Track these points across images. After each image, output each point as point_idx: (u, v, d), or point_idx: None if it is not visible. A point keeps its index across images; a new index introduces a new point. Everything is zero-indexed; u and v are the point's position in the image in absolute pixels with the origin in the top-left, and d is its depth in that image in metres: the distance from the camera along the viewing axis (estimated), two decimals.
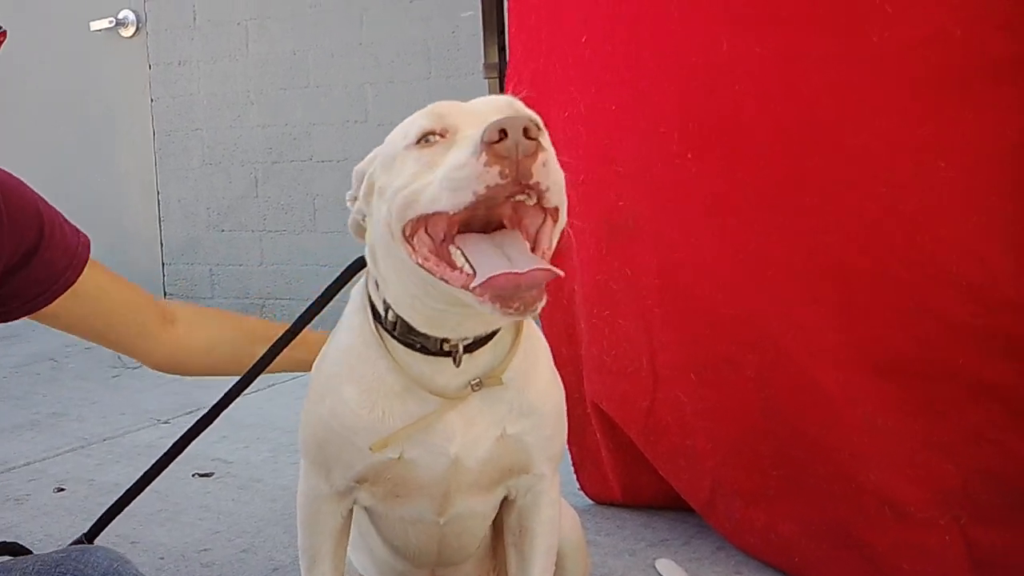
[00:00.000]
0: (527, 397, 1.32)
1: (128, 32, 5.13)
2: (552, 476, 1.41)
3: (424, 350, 1.26)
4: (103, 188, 5.34)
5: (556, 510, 1.43)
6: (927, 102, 1.66)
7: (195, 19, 4.85)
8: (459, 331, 1.25)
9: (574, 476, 2.38)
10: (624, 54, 1.99)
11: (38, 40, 5.41)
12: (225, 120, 4.82)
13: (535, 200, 1.08)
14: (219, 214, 4.88)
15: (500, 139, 1.02)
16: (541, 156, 1.05)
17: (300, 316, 1.64)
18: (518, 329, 1.32)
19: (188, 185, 4.97)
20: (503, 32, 2.47)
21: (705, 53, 1.87)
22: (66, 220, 1.56)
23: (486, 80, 2.51)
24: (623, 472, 2.26)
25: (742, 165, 1.86)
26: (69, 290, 1.53)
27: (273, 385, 3.40)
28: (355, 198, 1.31)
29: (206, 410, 1.74)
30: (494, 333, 1.28)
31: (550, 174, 1.07)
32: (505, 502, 1.42)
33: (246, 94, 4.74)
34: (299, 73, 4.57)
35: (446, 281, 1.12)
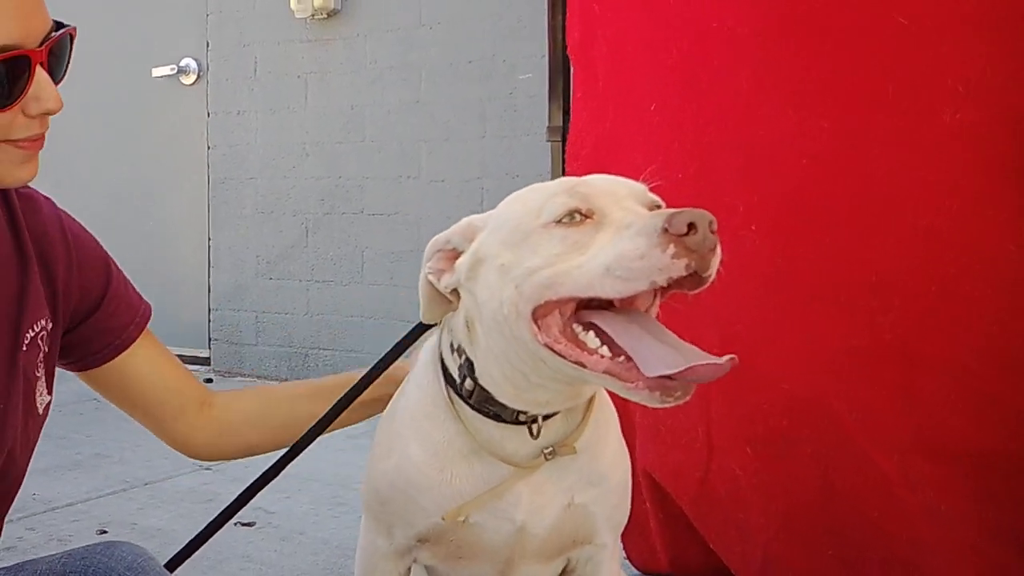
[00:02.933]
0: (596, 466, 1.31)
1: (189, 80, 5.22)
2: (613, 546, 1.40)
3: (498, 418, 1.26)
4: (156, 231, 5.42)
5: None
6: (997, 184, 1.66)
7: (256, 70, 4.94)
8: (544, 407, 1.24)
9: (620, 543, 2.35)
10: (692, 124, 2.00)
11: (100, 84, 5.53)
12: (280, 170, 4.88)
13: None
14: (268, 262, 4.92)
15: (689, 232, 1.03)
16: (718, 250, 1.07)
17: (363, 377, 1.62)
18: (591, 398, 1.31)
19: (239, 232, 5.03)
20: (567, 96, 2.48)
21: (771, 126, 1.88)
22: (130, 283, 1.57)
23: (549, 143, 2.53)
24: (671, 543, 2.23)
25: (804, 241, 1.85)
26: (124, 354, 1.52)
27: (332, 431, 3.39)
28: (442, 271, 1.27)
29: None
30: None
31: (713, 267, 1.08)
32: (565, 570, 1.40)
33: (302, 146, 4.81)
34: (355, 127, 4.63)
35: (583, 365, 1.11)
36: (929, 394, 1.73)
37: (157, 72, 5.30)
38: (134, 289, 1.57)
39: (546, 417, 1.26)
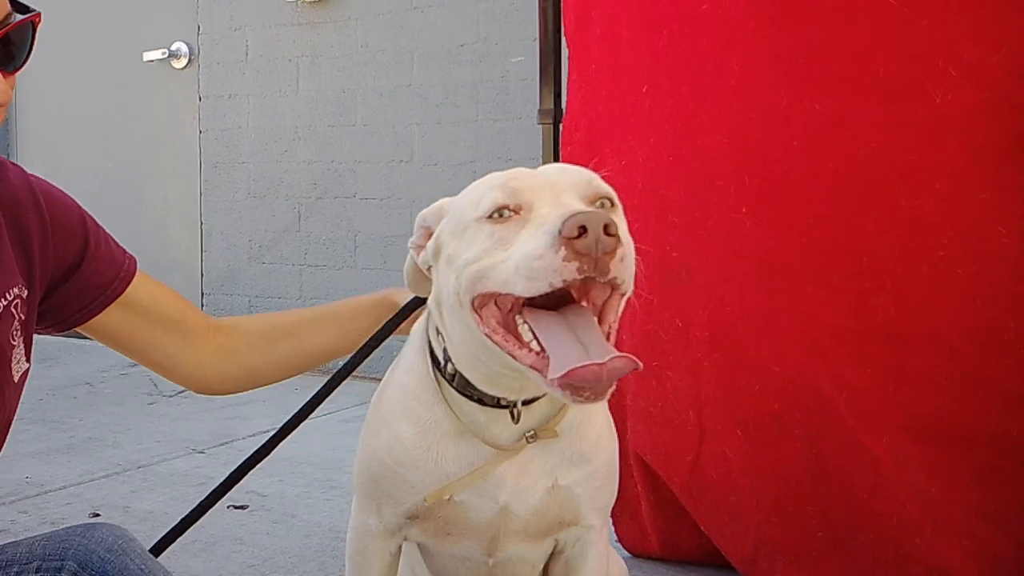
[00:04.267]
0: (580, 447, 1.32)
1: (180, 64, 5.20)
2: (601, 527, 1.40)
3: (481, 401, 1.27)
4: (147, 216, 5.40)
5: (603, 563, 1.42)
6: (988, 167, 1.66)
7: (247, 54, 4.92)
8: (519, 393, 1.25)
9: (612, 527, 2.36)
10: (684, 107, 2.00)
11: (91, 68, 5.51)
12: (272, 154, 4.87)
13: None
14: (261, 247, 4.91)
15: (580, 235, 1.02)
16: (619, 252, 1.04)
17: (354, 356, 1.63)
18: None
19: (232, 217, 5.02)
20: (559, 79, 2.48)
21: (763, 109, 1.88)
22: (113, 239, 1.56)
23: (540, 126, 2.53)
24: (663, 525, 2.24)
25: (795, 223, 1.85)
26: (119, 300, 1.52)
27: (309, 419, 3.39)
28: (420, 246, 1.31)
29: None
30: None
31: (626, 268, 1.06)
32: (553, 551, 1.41)
33: (294, 130, 4.79)
34: (347, 111, 4.62)
35: (514, 357, 1.11)
36: (919, 376, 1.74)
37: (148, 56, 5.27)
38: (116, 244, 1.55)
39: (528, 402, 1.26)
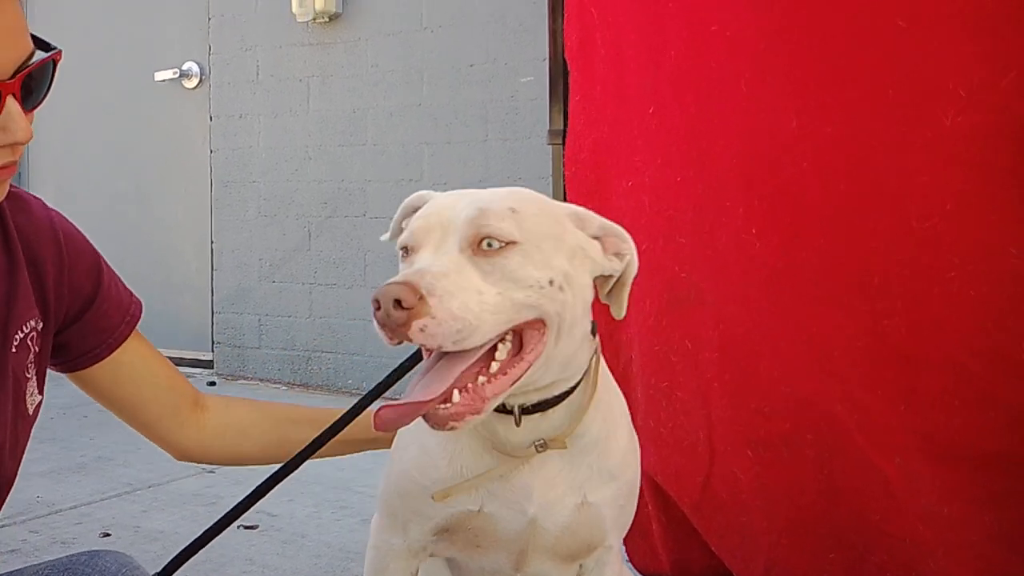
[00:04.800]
0: (607, 463, 1.32)
1: (191, 84, 5.23)
2: (618, 548, 1.41)
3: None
4: (158, 235, 5.43)
5: None
6: (998, 188, 1.65)
7: (258, 74, 4.94)
8: (517, 400, 1.26)
9: (623, 547, 2.35)
10: (691, 127, 2.00)
11: (103, 88, 5.54)
12: (282, 174, 4.89)
13: None
14: (271, 265, 4.93)
15: (376, 308, 1.07)
16: (417, 323, 1.06)
17: (357, 402, 1.61)
18: (591, 393, 1.31)
19: (242, 236, 5.03)
20: (568, 99, 2.49)
21: (772, 130, 1.88)
22: (121, 281, 1.57)
23: (550, 146, 2.53)
24: (673, 546, 2.24)
25: (805, 244, 1.85)
26: (115, 353, 1.52)
27: None
28: None
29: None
30: (564, 395, 1.28)
31: (437, 336, 1.07)
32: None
33: (304, 149, 4.81)
34: (358, 131, 4.64)
35: None
36: (931, 397, 1.73)
37: (159, 76, 5.31)
38: (124, 287, 1.57)
39: (538, 410, 1.26)
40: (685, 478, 2.09)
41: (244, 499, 1.59)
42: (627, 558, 2.36)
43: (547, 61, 2.62)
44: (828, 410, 1.83)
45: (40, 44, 1.21)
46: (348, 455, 1.74)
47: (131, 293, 1.58)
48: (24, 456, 1.43)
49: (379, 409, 1.11)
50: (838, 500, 1.84)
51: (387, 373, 1.56)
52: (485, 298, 1.10)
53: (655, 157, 2.08)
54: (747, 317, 1.93)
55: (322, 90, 4.75)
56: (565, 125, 2.51)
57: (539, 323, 1.16)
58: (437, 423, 1.11)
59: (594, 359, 1.31)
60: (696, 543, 2.17)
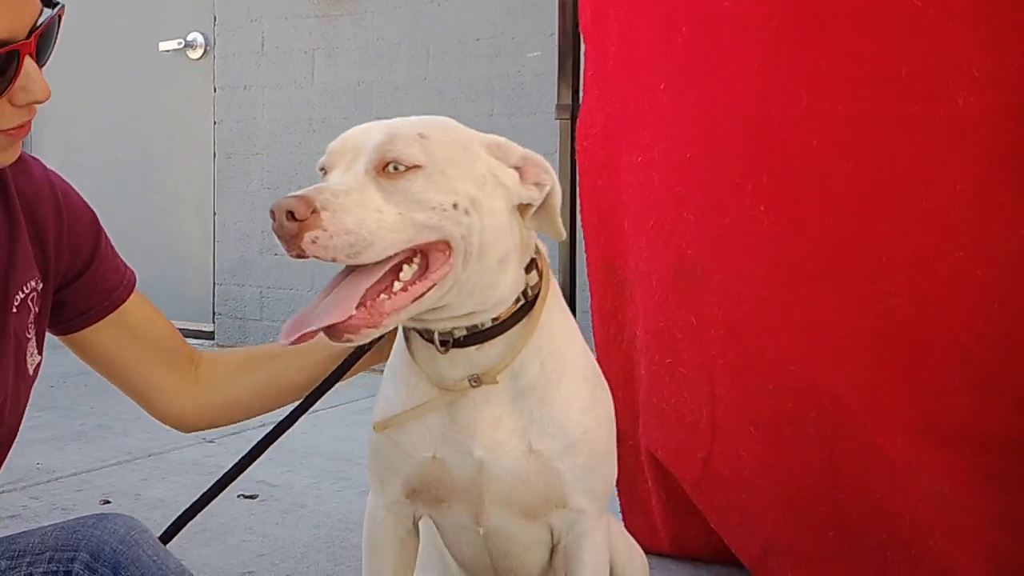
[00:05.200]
0: (551, 413, 1.32)
1: (196, 55, 5.21)
2: (597, 517, 1.39)
3: (428, 337, 1.31)
4: (161, 206, 5.42)
5: (601, 555, 1.40)
6: (1007, 170, 1.65)
7: (263, 45, 4.92)
8: (437, 325, 1.28)
9: (622, 522, 2.36)
10: (702, 103, 1.99)
11: (107, 58, 5.52)
12: (286, 146, 4.87)
13: None
14: (273, 238, 4.89)
15: (273, 216, 1.13)
16: (309, 235, 1.11)
17: (342, 362, 1.60)
18: (531, 332, 1.32)
19: (245, 208, 5.02)
20: (577, 75, 2.48)
21: (782, 108, 1.87)
22: (118, 254, 1.56)
23: (558, 121, 2.52)
24: (673, 522, 2.24)
25: (812, 222, 1.85)
26: (113, 316, 1.51)
27: (318, 411, 3.40)
28: None
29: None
30: (500, 330, 1.30)
31: (330, 248, 1.12)
32: (554, 547, 1.41)
33: (308, 122, 4.80)
34: (362, 104, 4.62)
35: None
36: (935, 378, 1.73)
37: (164, 46, 5.28)
38: (120, 259, 1.56)
39: (467, 342, 1.29)
40: (686, 455, 2.09)
41: (242, 458, 1.59)
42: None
43: (555, 35, 2.61)
44: (832, 390, 1.83)
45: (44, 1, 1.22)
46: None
47: (125, 263, 1.57)
48: (24, 420, 1.43)
49: (285, 326, 1.17)
50: (840, 480, 1.84)
51: None
52: (384, 216, 1.15)
53: (665, 133, 2.07)
54: (753, 295, 1.93)
55: (327, 63, 4.73)
56: (574, 100, 2.50)
57: (444, 245, 1.20)
58: (334, 336, 1.15)
59: (541, 297, 1.33)
60: (696, 520, 2.18)
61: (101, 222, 1.52)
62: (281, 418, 1.62)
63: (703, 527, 2.17)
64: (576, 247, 2.51)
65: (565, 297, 2.48)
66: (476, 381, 1.30)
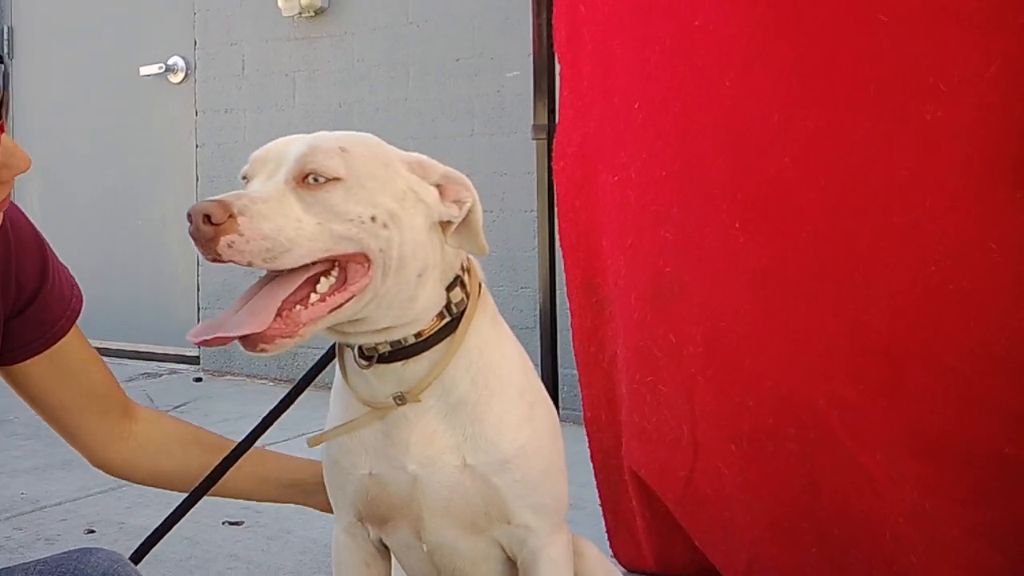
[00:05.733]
0: (482, 430, 1.32)
1: (177, 78, 5.21)
2: (550, 533, 1.38)
3: (361, 355, 1.32)
4: (144, 230, 5.40)
5: (559, 571, 1.39)
6: (979, 182, 1.66)
7: (243, 68, 4.93)
8: (357, 340, 1.30)
9: (607, 542, 2.36)
10: (677, 122, 2.00)
11: (87, 82, 5.52)
12: None
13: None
14: None
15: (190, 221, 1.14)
16: (225, 239, 1.14)
17: (288, 394, 1.66)
18: (453, 348, 1.32)
19: None
20: (553, 94, 2.48)
21: (756, 124, 1.88)
22: (63, 269, 1.51)
23: (534, 141, 2.52)
24: (657, 541, 2.24)
25: (789, 238, 1.86)
26: (51, 349, 1.47)
27: (303, 435, 3.39)
28: None
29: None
30: (425, 346, 1.31)
31: (246, 253, 1.15)
32: (513, 562, 1.42)
33: None
34: (343, 125, 4.62)
35: None
36: (913, 393, 1.73)
37: (145, 71, 5.28)
38: (67, 275, 1.52)
39: (391, 358, 1.30)
40: (668, 473, 2.09)
41: (202, 481, 1.59)
42: (612, 554, 2.36)
43: (532, 56, 2.61)
44: (812, 405, 1.84)
45: None
46: (281, 503, 1.75)
47: (73, 284, 1.53)
48: (8, 449, 1.41)
49: (199, 325, 1.19)
50: (821, 495, 1.84)
51: None
52: (303, 226, 1.17)
53: (641, 152, 2.08)
54: (731, 311, 1.93)
55: (308, 85, 4.74)
56: (550, 120, 2.51)
57: (363, 258, 1.22)
58: (249, 345, 1.18)
59: (467, 314, 1.33)
60: (680, 538, 2.18)
61: (49, 248, 1.47)
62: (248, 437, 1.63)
63: (688, 545, 2.17)
64: (555, 266, 2.51)
65: (545, 317, 2.51)
66: (401, 399, 1.31)
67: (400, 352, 1.30)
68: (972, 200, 1.66)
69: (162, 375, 4.98)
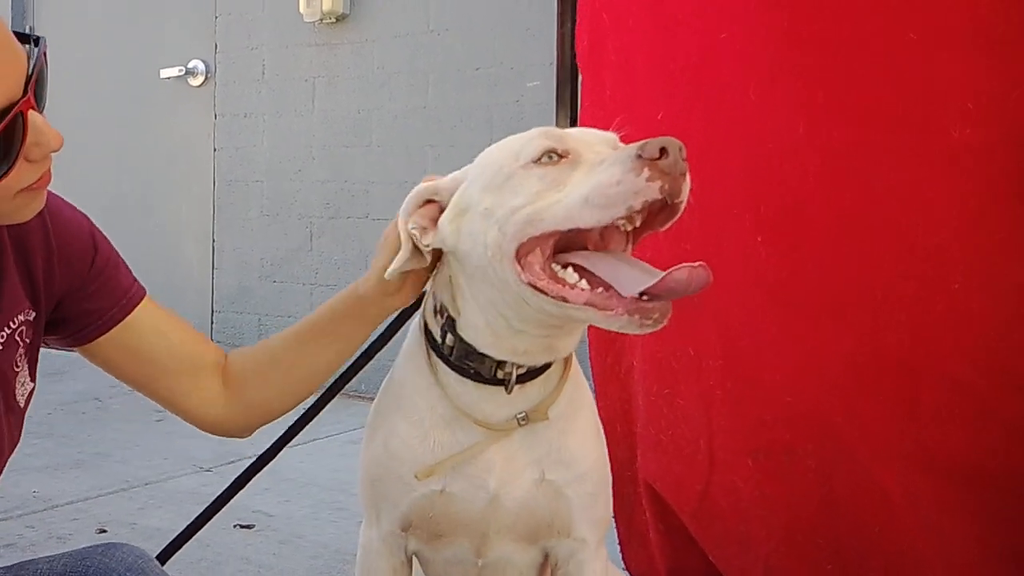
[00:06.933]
0: (567, 443, 1.32)
1: (197, 82, 5.23)
2: (596, 547, 1.39)
3: (478, 376, 1.28)
4: (160, 232, 5.42)
5: None
6: (1004, 202, 1.65)
7: (264, 73, 4.94)
8: (525, 356, 1.26)
9: (620, 554, 2.35)
10: (699, 133, 2.00)
11: (108, 85, 5.54)
12: (286, 173, 4.89)
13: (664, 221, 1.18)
14: (272, 265, 4.92)
15: (661, 156, 1.09)
16: (688, 178, 1.13)
17: (346, 369, 1.63)
18: (565, 367, 1.33)
19: (244, 235, 5.03)
20: (575, 105, 2.48)
21: (780, 138, 1.88)
22: (124, 264, 1.53)
23: None
24: (671, 554, 2.23)
25: (810, 253, 1.85)
26: (117, 329, 1.47)
27: (315, 440, 3.40)
28: (426, 227, 1.31)
29: (247, 459, 1.71)
30: (545, 368, 1.29)
31: (684, 192, 1.14)
32: (548, 563, 1.41)
33: (308, 149, 4.81)
34: (362, 132, 4.63)
35: (565, 299, 1.15)
36: (932, 410, 1.72)
37: (165, 73, 5.30)
38: (126, 271, 1.52)
39: (524, 380, 1.28)
40: (684, 486, 2.08)
41: (235, 480, 1.59)
42: (624, 566, 2.35)
43: (554, 65, 2.61)
44: (829, 421, 1.83)
45: (22, 39, 1.16)
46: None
47: (133, 278, 1.53)
48: (21, 447, 1.41)
49: (660, 281, 1.12)
50: (837, 511, 1.83)
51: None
52: None
53: None
54: (751, 325, 1.93)
55: (327, 91, 4.75)
56: None
57: None
58: (665, 313, 1.15)
59: None
60: (694, 552, 2.16)
61: (99, 232, 1.48)
62: (272, 441, 1.62)
63: (701, 558, 2.15)
64: None
65: None
66: (524, 419, 1.29)
67: (528, 373, 1.29)
68: (996, 219, 1.65)
69: None
